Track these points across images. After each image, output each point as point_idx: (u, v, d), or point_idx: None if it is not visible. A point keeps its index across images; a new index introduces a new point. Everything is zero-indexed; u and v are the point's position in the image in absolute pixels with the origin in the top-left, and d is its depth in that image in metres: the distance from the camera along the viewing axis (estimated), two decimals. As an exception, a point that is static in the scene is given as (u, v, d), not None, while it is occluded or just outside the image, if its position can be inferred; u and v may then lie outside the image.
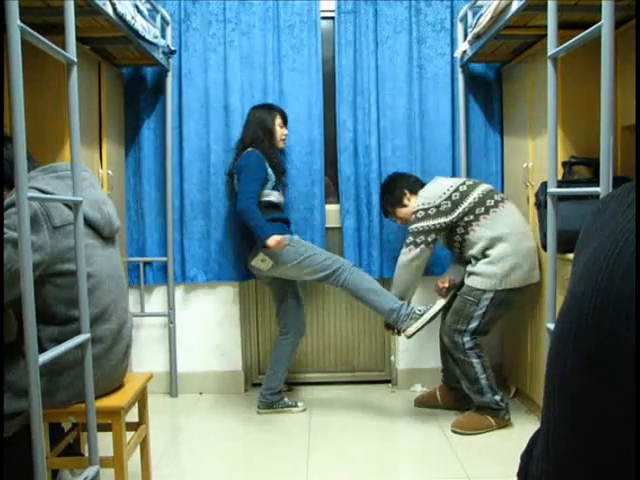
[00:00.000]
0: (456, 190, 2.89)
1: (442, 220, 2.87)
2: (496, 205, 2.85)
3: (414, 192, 3.03)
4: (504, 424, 2.86)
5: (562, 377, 0.53)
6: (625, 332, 0.46)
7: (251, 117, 3.11)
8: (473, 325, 2.81)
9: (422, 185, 3.06)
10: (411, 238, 2.89)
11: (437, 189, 2.94)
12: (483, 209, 2.85)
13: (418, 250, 2.87)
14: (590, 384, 0.50)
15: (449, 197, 2.87)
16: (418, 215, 2.89)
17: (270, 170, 3.01)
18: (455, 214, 2.86)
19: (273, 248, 2.83)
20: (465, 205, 2.86)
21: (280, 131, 3.12)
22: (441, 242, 3.06)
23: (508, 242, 2.79)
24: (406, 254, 2.90)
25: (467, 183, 2.94)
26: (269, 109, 3.12)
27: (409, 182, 3.08)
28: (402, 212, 3.07)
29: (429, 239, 2.87)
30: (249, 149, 3.01)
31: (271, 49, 3.35)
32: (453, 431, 2.83)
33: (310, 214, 3.41)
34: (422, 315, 2.86)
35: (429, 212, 2.87)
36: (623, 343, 0.46)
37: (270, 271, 2.97)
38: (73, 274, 1.73)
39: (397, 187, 3.06)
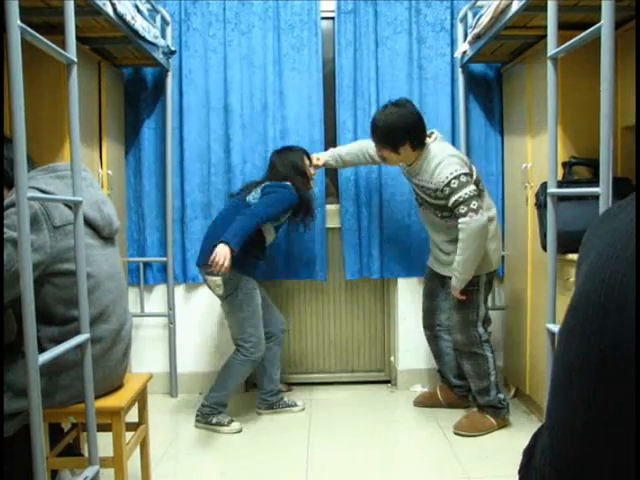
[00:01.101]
0: (467, 161, 2.79)
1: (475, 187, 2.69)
2: (484, 188, 2.83)
3: (415, 147, 2.73)
4: (504, 424, 2.87)
5: (568, 374, 0.53)
6: (629, 331, 0.46)
7: (277, 158, 3.05)
8: (482, 312, 2.82)
9: (424, 139, 2.77)
10: (473, 205, 2.62)
11: (460, 153, 2.81)
12: (479, 188, 2.75)
13: (479, 215, 2.63)
14: (596, 381, 0.50)
15: (470, 165, 2.76)
16: (462, 180, 2.63)
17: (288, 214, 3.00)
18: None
19: (217, 256, 2.62)
20: (474, 179, 2.73)
21: (311, 171, 3.08)
22: (422, 215, 2.94)
23: (492, 225, 2.78)
24: (480, 218, 2.62)
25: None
26: (292, 150, 3.07)
27: (416, 133, 2.72)
28: (389, 155, 2.78)
29: (480, 203, 2.67)
30: (287, 183, 2.95)
31: (271, 49, 3.35)
32: (456, 433, 2.83)
33: (310, 214, 3.41)
34: (228, 424, 2.92)
35: (468, 178, 2.66)
36: (627, 343, 0.46)
37: (217, 296, 2.92)
38: (72, 274, 1.73)
39: (401, 129, 2.68)
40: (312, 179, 3.10)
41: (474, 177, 2.72)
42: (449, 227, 2.82)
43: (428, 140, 2.79)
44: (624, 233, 0.52)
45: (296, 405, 3.18)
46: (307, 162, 3.07)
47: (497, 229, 2.86)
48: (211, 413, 2.93)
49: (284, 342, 3.25)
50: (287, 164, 3.00)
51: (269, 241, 3.01)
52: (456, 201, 2.64)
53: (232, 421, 2.94)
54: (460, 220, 2.64)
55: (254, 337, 2.89)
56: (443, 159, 2.69)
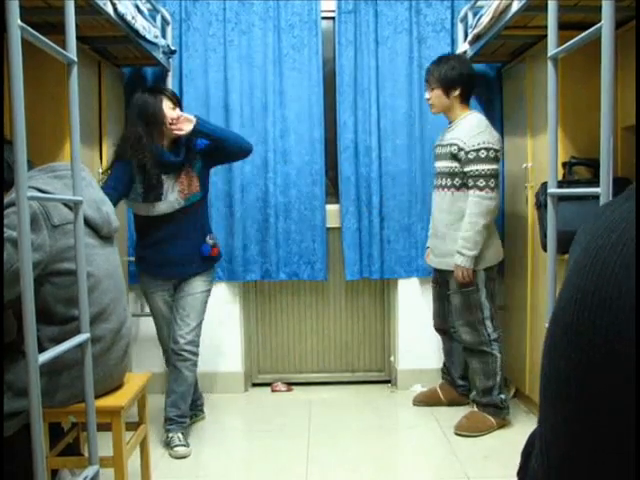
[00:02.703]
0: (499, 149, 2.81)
1: (498, 167, 2.76)
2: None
3: (463, 99, 2.84)
4: (504, 424, 2.88)
5: (554, 380, 0.53)
6: (613, 335, 0.46)
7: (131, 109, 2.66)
8: (487, 312, 2.82)
9: (470, 98, 2.90)
10: (491, 182, 2.68)
11: (496, 133, 2.83)
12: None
13: (495, 194, 2.71)
14: (579, 387, 0.50)
15: (500, 149, 2.80)
16: (490, 155, 2.69)
17: (139, 178, 2.59)
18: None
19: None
20: (499, 163, 2.80)
21: (171, 114, 2.62)
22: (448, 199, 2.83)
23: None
24: (493, 198, 2.69)
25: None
26: (153, 92, 2.66)
27: (469, 84, 2.84)
28: (438, 96, 2.83)
29: (498, 184, 2.75)
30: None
31: (271, 49, 3.35)
32: (456, 434, 2.83)
33: (311, 214, 3.41)
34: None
35: (498, 155, 2.75)
36: (611, 347, 0.46)
37: None
38: (72, 273, 1.73)
39: (457, 73, 2.80)
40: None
41: (499, 161, 2.80)
42: (454, 202, 2.81)
43: (467, 109, 2.88)
44: (606, 229, 0.52)
45: (172, 448, 2.67)
46: (169, 104, 2.63)
47: (495, 227, 2.90)
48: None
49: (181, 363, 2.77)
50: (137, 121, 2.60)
51: (143, 214, 2.67)
52: (478, 171, 2.70)
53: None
54: (476, 193, 2.70)
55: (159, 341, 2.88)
56: (486, 128, 2.78)
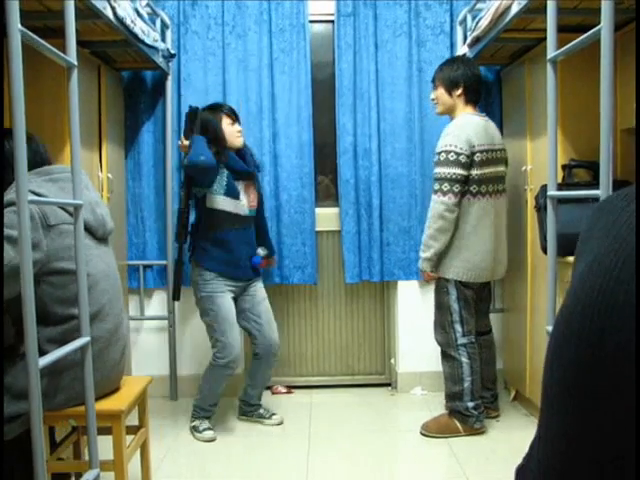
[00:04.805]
0: (484, 152, 2.70)
1: (459, 171, 2.66)
2: (492, 194, 2.78)
3: (467, 97, 2.78)
4: (474, 432, 2.79)
5: (555, 388, 0.53)
6: (623, 346, 0.46)
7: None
8: (456, 317, 2.77)
9: (476, 100, 2.83)
10: (445, 187, 2.66)
11: (473, 132, 2.69)
12: (487, 188, 2.74)
13: (448, 198, 2.66)
14: (579, 396, 0.50)
15: (470, 155, 2.67)
16: (450, 158, 2.65)
17: (226, 172, 2.83)
18: (467, 172, 2.69)
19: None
20: (467, 163, 2.67)
21: (230, 129, 2.89)
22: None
23: (467, 231, 2.73)
24: (444, 203, 2.65)
25: (497, 154, 2.80)
26: (213, 110, 2.89)
27: (473, 84, 2.79)
28: (441, 95, 2.82)
29: (454, 189, 2.66)
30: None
31: (265, 52, 3.35)
32: (421, 433, 2.82)
33: (301, 217, 3.40)
34: (200, 431, 2.86)
35: (460, 158, 2.64)
36: (615, 353, 0.46)
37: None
38: (68, 272, 1.73)
39: (460, 72, 2.78)
40: (237, 137, 2.91)
41: (467, 160, 2.65)
42: None
43: (470, 111, 2.81)
44: (608, 236, 0.51)
45: (269, 418, 3.05)
46: (228, 121, 2.88)
47: (478, 243, 2.76)
48: (193, 415, 2.93)
49: (272, 358, 3.04)
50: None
51: (233, 209, 2.85)
52: (435, 174, 2.72)
53: (207, 429, 2.86)
54: (432, 197, 2.72)
55: (219, 342, 2.84)
56: (456, 130, 2.70)
